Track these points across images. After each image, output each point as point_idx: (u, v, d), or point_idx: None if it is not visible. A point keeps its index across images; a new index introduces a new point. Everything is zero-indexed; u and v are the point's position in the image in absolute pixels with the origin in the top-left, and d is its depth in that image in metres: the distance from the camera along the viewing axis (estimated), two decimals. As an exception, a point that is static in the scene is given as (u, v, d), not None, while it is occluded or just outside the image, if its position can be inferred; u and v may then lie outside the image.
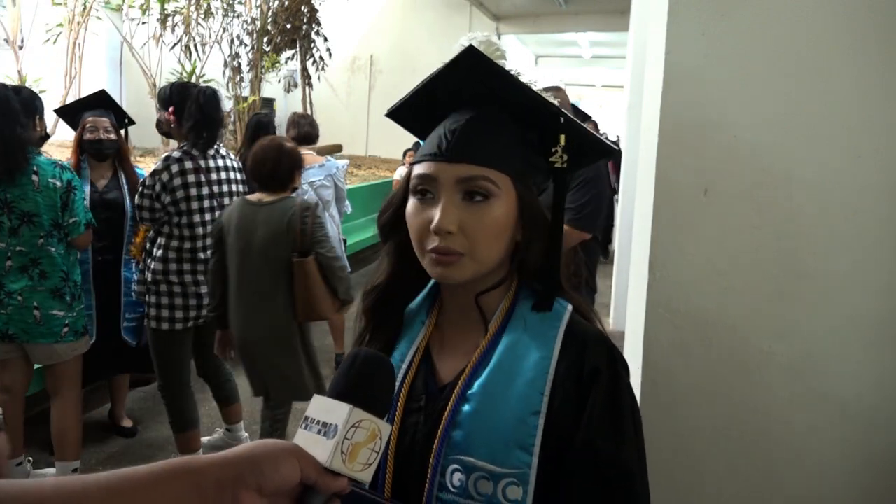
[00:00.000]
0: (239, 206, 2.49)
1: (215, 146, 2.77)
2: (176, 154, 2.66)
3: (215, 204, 2.73)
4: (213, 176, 2.73)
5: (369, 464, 0.61)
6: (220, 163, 2.78)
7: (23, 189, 2.42)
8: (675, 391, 1.44)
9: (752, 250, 1.37)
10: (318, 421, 0.61)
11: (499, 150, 0.77)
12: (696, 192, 1.38)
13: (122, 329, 2.98)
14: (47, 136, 2.96)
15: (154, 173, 2.63)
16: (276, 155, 2.47)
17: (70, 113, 3.04)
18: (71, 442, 2.63)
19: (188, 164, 2.65)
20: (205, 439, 3.07)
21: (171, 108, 2.71)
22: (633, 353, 1.61)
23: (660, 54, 1.40)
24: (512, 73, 0.79)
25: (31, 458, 2.76)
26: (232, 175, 2.82)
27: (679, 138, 1.39)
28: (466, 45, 0.79)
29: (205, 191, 2.69)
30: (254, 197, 2.53)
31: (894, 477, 1.35)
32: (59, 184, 2.49)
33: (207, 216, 2.72)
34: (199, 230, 2.70)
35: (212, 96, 2.74)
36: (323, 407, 0.62)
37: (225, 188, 2.78)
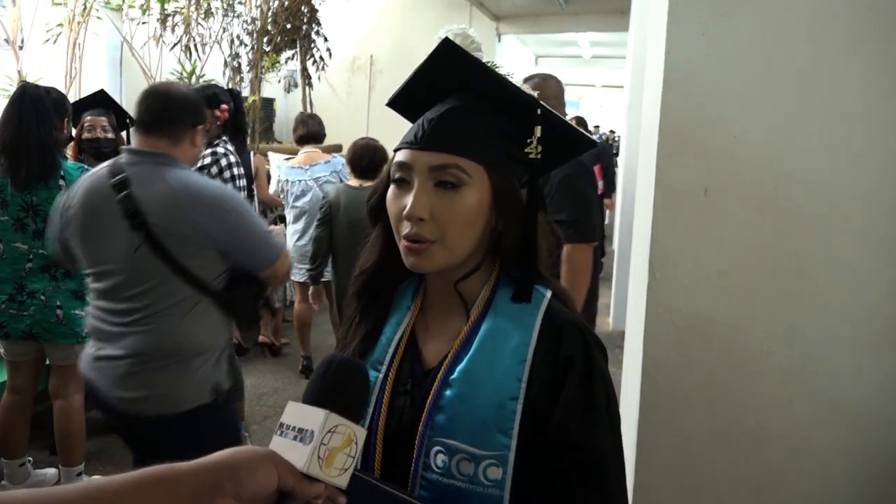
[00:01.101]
0: (344, 190, 3.22)
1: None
2: (220, 149, 2.76)
3: (246, 195, 2.91)
4: (243, 170, 2.88)
5: (346, 468, 0.61)
6: (240, 159, 2.92)
7: (50, 193, 2.42)
8: (675, 391, 1.44)
9: (752, 250, 1.37)
10: (295, 427, 0.61)
11: (472, 140, 0.79)
12: (696, 192, 1.38)
13: None
14: (72, 138, 2.98)
15: (202, 168, 2.71)
16: (372, 152, 3.22)
17: (73, 113, 3.06)
18: (76, 446, 2.62)
19: (232, 159, 2.78)
20: (205, 439, 3.08)
21: (223, 106, 2.78)
22: (633, 353, 1.61)
23: (660, 54, 1.40)
24: (488, 64, 0.81)
25: (31, 459, 2.76)
26: (244, 170, 2.95)
27: (679, 138, 1.39)
28: (443, 37, 0.81)
29: (243, 183, 2.85)
30: (355, 183, 3.27)
31: (894, 477, 1.35)
32: None
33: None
34: None
35: (240, 95, 2.98)
36: (299, 413, 0.62)
37: (245, 181, 2.92)
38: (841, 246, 1.33)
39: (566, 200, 2.29)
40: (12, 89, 5.49)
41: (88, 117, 2.96)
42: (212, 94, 2.82)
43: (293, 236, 3.88)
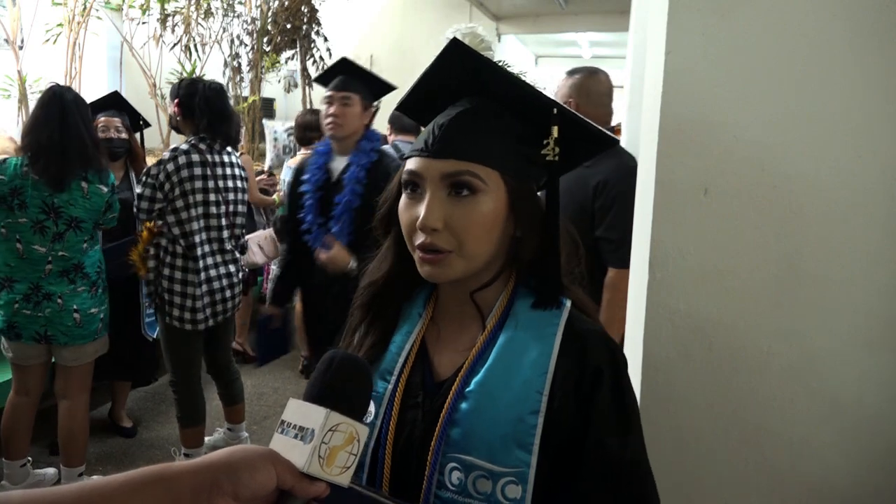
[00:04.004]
0: None
1: (219, 142, 2.77)
2: (184, 147, 2.66)
3: (220, 199, 2.72)
4: (219, 171, 2.72)
5: (347, 467, 0.60)
6: (227, 159, 2.78)
7: (72, 195, 2.42)
8: (675, 391, 1.44)
9: (752, 250, 1.37)
10: (295, 425, 0.60)
11: (486, 145, 0.76)
12: (696, 192, 1.38)
13: (143, 325, 3.00)
14: None
15: (160, 163, 2.62)
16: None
17: None
18: (79, 447, 2.62)
19: (195, 157, 2.65)
20: (206, 438, 3.07)
21: (176, 100, 2.72)
22: (633, 353, 1.61)
23: (660, 54, 1.40)
24: (500, 63, 0.79)
25: (30, 458, 2.76)
26: (237, 171, 2.81)
27: (679, 138, 1.39)
28: (451, 37, 0.78)
29: (210, 184, 2.68)
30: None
31: (894, 477, 1.35)
32: (104, 189, 2.52)
33: (213, 209, 2.70)
34: (197, 224, 2.66)
35: (216, 90, 2.79)
36: (299, 411, 0.61)
37: (230, 184, 2.77)
38: (841, 246, 1.33)
39: (621, 219, 2.05)
40: (12, 89, 5.49)
41: (102, 118, 2.99)
42: (172, 91, 2.77)
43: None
